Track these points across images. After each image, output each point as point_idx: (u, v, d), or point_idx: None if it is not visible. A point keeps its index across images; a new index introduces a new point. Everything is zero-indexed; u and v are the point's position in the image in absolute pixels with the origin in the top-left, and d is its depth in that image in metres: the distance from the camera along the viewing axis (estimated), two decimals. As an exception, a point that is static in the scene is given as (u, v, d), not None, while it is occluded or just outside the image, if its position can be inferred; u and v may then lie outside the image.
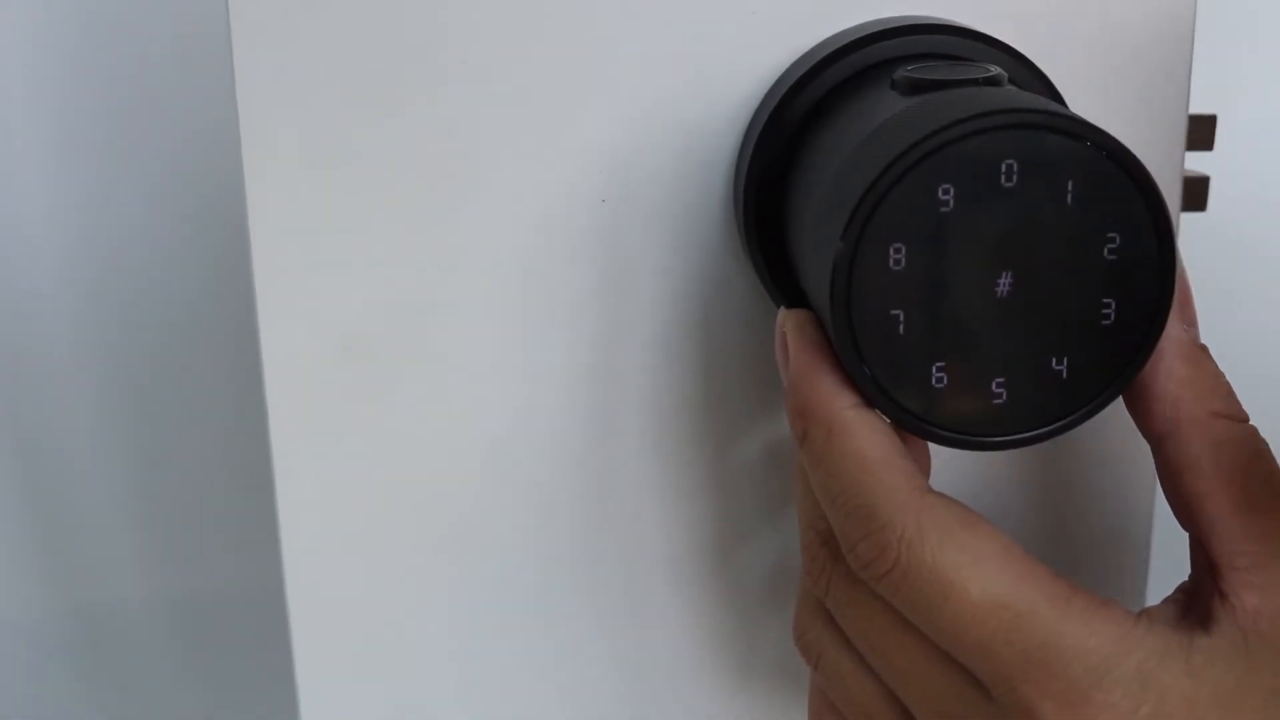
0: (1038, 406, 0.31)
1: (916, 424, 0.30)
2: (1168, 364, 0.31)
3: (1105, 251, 0.29)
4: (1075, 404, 0.31)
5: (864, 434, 0.31)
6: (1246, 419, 0.31)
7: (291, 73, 0.34)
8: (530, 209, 0.36)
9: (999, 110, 0.28)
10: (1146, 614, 0.30)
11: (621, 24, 0.35)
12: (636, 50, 0.35)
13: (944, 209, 0.29)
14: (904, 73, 0.32)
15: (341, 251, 0.36)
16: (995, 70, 0.32)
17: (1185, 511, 0.31)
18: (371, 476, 0.38)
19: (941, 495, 0.30)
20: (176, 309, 0.75)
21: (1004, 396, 0.30)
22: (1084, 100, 0.37)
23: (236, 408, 0.75)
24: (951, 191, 0.29)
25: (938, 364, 0.30)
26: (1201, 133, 0.42)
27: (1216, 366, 0.32)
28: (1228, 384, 0.32)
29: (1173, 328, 0.31)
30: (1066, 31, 0.37)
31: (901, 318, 0.30)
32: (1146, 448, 0.32)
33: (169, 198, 0.73)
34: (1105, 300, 0.30)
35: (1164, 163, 0.38)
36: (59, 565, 0.78)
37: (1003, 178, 0.29)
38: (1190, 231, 0.38)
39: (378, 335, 0.37)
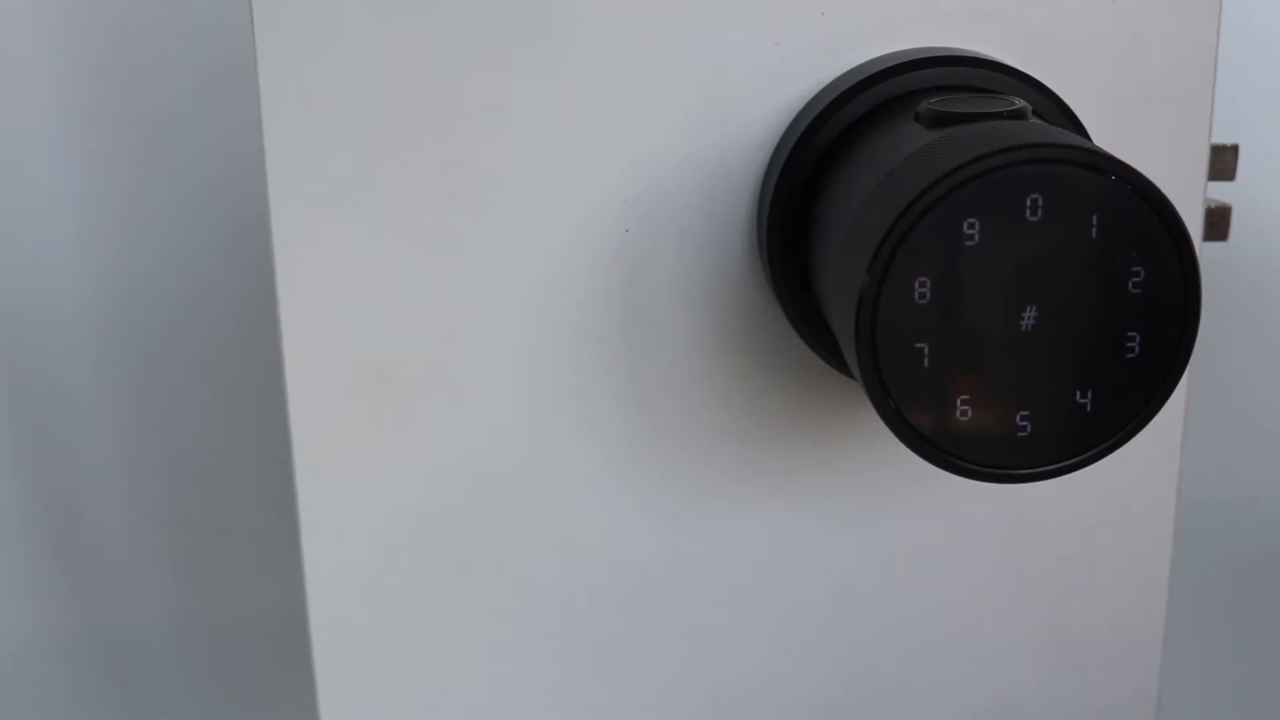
0: (1062, 439, 0.31)
1: (940, 456, 0.30)
2: None
3: (1130, 285, 0.29)
4: (1100, 437, 0.31)
5: None
6: None
7: (316, 103, 0.35)
8: (553, 239, 0.36)
9: (1024, 145, 0.28)
10: None
11: (645, 55, 0.35)
12: (660, 81, 0.35)
13: (969, 243, 0.29)
14: (928, 105, 0.32)
15: (365, 281, 0.36)
16: (1019, 103, 0.32)
17: None
18: (394, 503, 0.38)
19: None
20: (203, 334, 0.75)
21: (1028, 429, 0.30)
22: (1106, 131, 0.37)
23: (261, 431, 0.75)
24: (976, 225, 0.29)
25: (962, 397, 0.30)
26: (1224, 162, 0.42)
27: None
28: None
29: None
30: (1089, 63, 0.37)
31: (926, 351, 0.30)
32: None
33: (196, 224, 0.73)
34: (1130, 333, 0.30)
35: (1186, 193, 0.38)
36: (82, 587, 0.79)
37: (1027, 211, 0.29)
38: (1212, 261, 0.38)
39: (401, 364, 0.37)
